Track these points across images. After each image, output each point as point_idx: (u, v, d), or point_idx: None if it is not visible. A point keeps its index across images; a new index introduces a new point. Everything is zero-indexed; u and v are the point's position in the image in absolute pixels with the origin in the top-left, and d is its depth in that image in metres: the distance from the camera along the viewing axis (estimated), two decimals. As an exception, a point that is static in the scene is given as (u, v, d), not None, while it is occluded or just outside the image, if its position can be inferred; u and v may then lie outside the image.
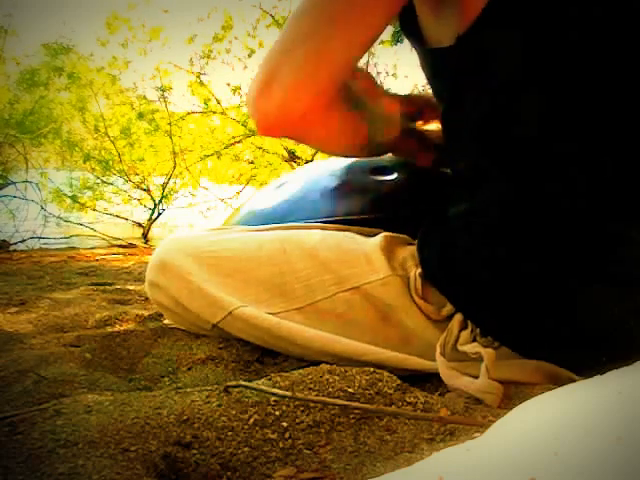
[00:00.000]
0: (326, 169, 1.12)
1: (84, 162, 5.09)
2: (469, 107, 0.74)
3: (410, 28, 0.78)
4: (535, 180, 0.70)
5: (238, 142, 5.39)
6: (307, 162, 5.04)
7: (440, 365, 0.72)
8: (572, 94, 0.68)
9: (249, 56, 5.27)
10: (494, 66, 0.70)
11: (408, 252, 0.84)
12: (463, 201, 0.78)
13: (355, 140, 0.83)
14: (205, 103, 5.24)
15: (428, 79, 0.81)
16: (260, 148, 5.37)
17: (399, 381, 0.67)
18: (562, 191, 0.69)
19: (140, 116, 5.14)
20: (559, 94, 0.68)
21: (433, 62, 0.77)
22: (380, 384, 0.65)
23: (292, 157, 5.24)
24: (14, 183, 4.35)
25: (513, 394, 0.69)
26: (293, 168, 5.10)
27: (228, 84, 5.24)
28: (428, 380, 0.75)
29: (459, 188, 0.80)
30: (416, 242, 0.82)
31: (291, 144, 5.24)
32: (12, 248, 3.43)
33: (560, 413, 0.33)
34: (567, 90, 0.68)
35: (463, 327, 0.75)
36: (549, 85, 0.68)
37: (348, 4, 0.67)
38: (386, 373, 0.68)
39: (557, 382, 0.68)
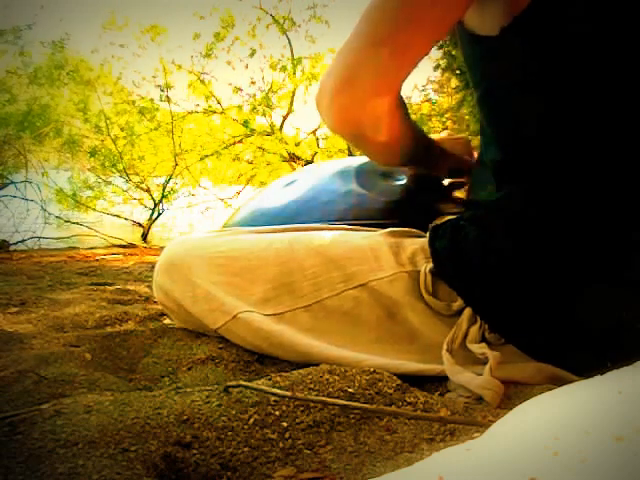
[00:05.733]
0: (337, 170, 1.11)
1: (91, 156, 5.09)
2: (497, 102, 0.74)
3: None
4: (552, 181, 0.70)
5: (238, 142, 5.40)
6: (307, 162, 5.04)
7: (445, 361, 0.73)
8: (584, 97, 0.68)
9: (250, 55, 5.28)
10: (530, 62, 0.69)
11: (418, 245, 0.84)
12: (483, 191, 0.78)
13: (403, 147, 0.83)
14: (206, 102, 5.24)
15: (466, 65, 0.80)
16: (260, 148, 5.37)
17: (399, 381, 0.67)
18: (576, 194, 0.69)
19: (141, 115, 5.14)
20: (570, 98, 0.68)
21: (473, 48, 0.77)
22: (380, 384, 0.65)
23: (292, 157, 5.24)
24: (14, 183, 4.35)
25: (513, 394, 0.69)
26: (293, 168, 5.10)
27: (230, 84, 5.25)
28: (428, 380, 0.75)
29: (482, 180, 0.79)
30: (427, 234, 0.83)
31: (291, 146, 5.25)
32: (12, 248, 3.43)
33: (560, 413, 0.33)
34: (594, 92, 0.68)
35: (472, 322, 0.76)
36: (561, 88, 0.68)
37: (426, 2, 0.66)
38: (386, 373, 0.68)
39: (558, 384, 0.68)
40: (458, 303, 0.78)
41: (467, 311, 0.77)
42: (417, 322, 0.79)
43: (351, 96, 0.68)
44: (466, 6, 0.68)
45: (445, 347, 0.74)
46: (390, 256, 0.82)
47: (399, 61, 0.68)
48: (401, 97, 0.76)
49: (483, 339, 0.75)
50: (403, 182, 1.05)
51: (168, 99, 5.05)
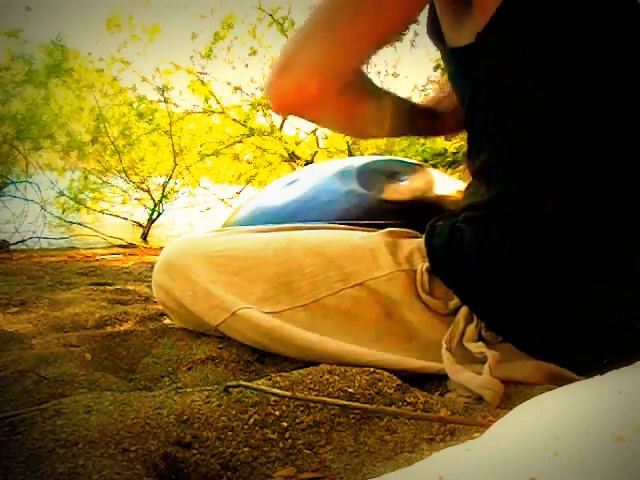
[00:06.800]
0: (338, 170, 1.11)
1: (90, 154, 5.09)
2: (486, 105, 0.75)
3: (432, 28, 0.80)
4: (549, 180, 0.71)
5: (238, 142, 5.39)
6: (307, 162, 5.05)
7: (445, 360, 0.73)
8: (582, 95, 0.68)
9: (251, 55, 5.27)
10: (508, 65, 0.71)
11: (415, 245, 0.84)
12: (476, 194, 0.79)
13: (368, 124, 0.86)
14: (206, 102, 5.24)
15: (450, 78, 0.83)
16: (260, 148, 5.37)
17: (399, 381, 0.67)
18: (573, 193, 0.69)
19: (140, 116, 5.14)
20: (567, 96, 0.68)
21: (454, 61, 0.79)
22: (380, 384, 0.65)
23: (292, 157, 5.24)
24: (14, 183, 4.35)
25: (513, 394, 0.69)
26: (293, 168, 5.10)
27: (229, 83, 5.25)
28: (428, 380, 0.75)
29: (475, 182, 0.81)
30: (424, 235, 0.83)
31: (291, 145, 5.25)
32: (12, 248, 3.43)
33: (560, 413, 0.33)
34: (576, 91, 0.68)
35: (469, 321, 0.76)
36: (558, 86, 0.68)
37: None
38: (386, 373, 0.68)
39: (557, 382, 0.68)
40: (454, 302, 0.78)
41: (463, 309, 0.77)
42: (415, 321, 0.79)
43: (288, 81, 0.72)
44: (409, 9, 0.71)
45: (444, 346, 0.74)
46: (388, 255, 0.82)
47: (334, 50, 0.71)
48: (365, 79, 0.81)
49: (480, 337, 0.75)
50: (405, 183, 1.05)
51: (166, 100, 5.05)
